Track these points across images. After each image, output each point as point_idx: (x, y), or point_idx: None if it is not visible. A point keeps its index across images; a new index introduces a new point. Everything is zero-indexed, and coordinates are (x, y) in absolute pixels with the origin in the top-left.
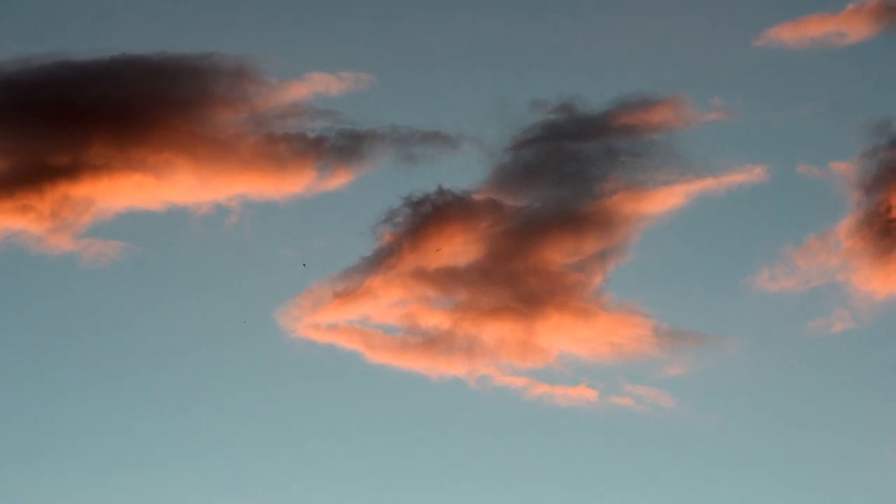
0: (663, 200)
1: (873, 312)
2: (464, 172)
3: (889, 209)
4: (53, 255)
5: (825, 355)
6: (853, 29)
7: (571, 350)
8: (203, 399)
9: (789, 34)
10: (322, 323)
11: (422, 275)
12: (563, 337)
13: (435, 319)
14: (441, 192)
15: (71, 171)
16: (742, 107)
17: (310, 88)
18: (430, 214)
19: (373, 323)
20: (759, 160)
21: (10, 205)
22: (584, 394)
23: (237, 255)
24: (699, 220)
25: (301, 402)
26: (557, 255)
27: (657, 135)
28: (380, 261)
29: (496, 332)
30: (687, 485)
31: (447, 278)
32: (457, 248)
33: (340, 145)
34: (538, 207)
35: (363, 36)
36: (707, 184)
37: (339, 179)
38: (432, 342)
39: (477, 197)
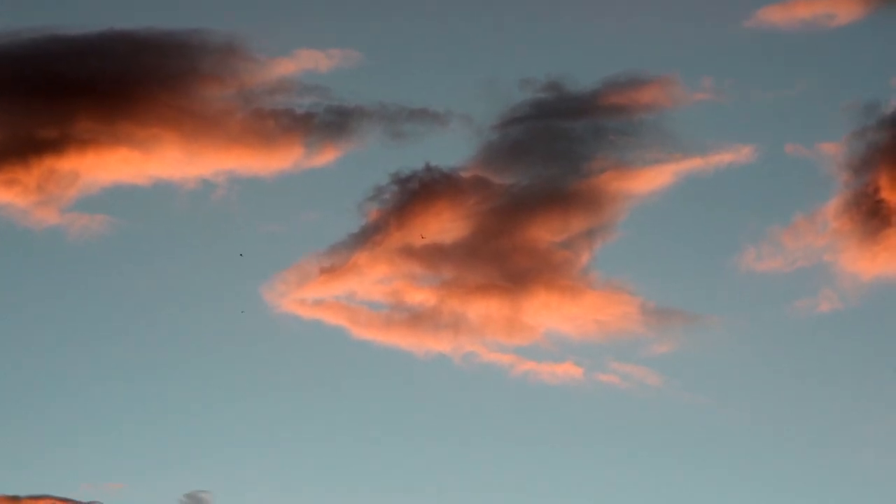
0: (651, 179)
1: (859, 293)
2: (452, 150)
3: (877, 190)
4: (39, 229)
5: (811, 335)
6: (842, 10)
7: (558, 327)
8: (189, 374)
9: (779, 15)
10: (308, 298)
11: (408, 251)
12: (549, 314)
13: (421, 296)
14: (429, 169)
15: (58, 145)
16: (731, 87)
17: (298, 65)
18: (418, 191)
19: (359, 299)
20: (748, 140)
21: None
22: (570, 371)
23: (223, 231)
24: (687, 199)
25: (286, 377)
26: (545, 232)
27: (646, 114)
28: (366, 237)
29: (482, 309)
30: (672, 462)
31: (434, 255)
32: (444, 226)
33: (328, 122)
34: (526, 185)
35: (352, 13)
36: (695, 163)
37: (327, 156)
38: (418, 319)
39: (465, 174)
